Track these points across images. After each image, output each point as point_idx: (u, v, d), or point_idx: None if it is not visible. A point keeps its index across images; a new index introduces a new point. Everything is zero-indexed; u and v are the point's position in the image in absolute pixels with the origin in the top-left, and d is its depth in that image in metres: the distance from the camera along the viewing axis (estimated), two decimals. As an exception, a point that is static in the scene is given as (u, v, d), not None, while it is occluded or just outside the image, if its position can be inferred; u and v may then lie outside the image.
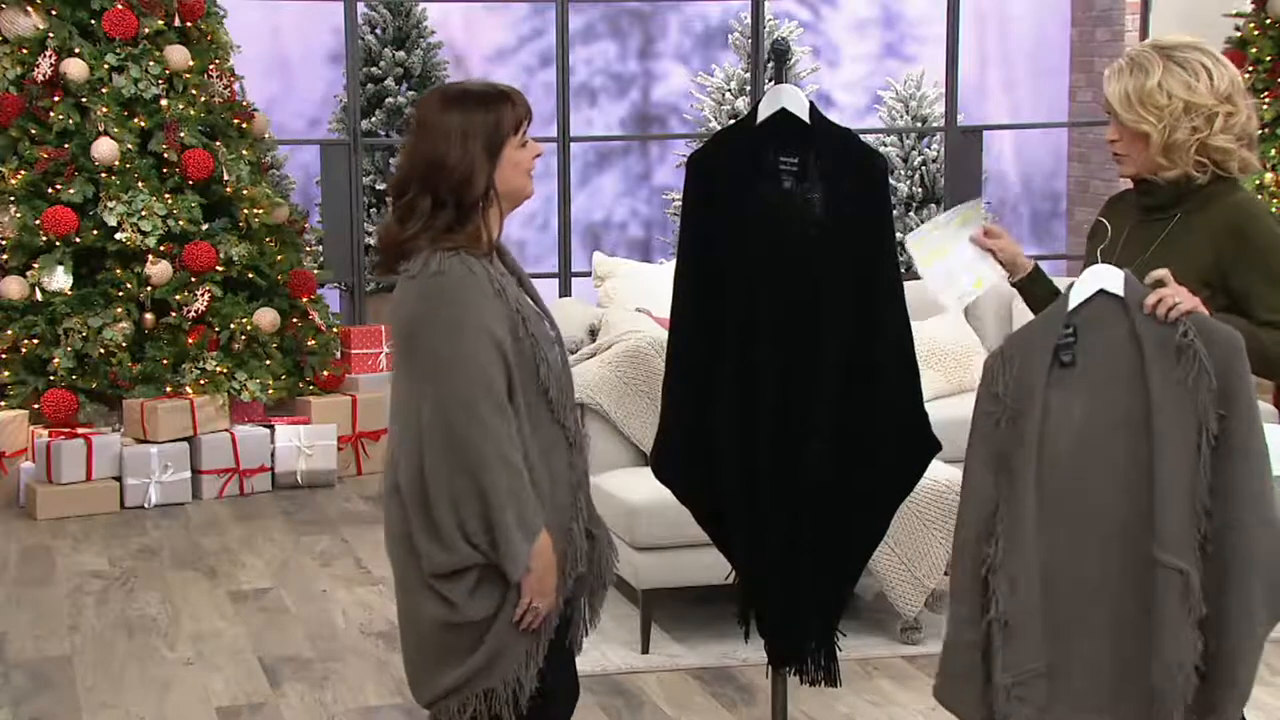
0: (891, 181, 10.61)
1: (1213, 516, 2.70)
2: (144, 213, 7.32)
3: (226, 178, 7.60)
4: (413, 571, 2.85)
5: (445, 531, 2.76)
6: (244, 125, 7.92)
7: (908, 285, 3.41)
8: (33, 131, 7.47)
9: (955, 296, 3.25)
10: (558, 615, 2.90)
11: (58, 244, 7.31)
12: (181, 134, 7.47)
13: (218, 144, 7.66)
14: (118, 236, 7.32)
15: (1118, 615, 2.78)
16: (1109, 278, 2.80)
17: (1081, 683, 2.80)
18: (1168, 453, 2.71)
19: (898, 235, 3.55)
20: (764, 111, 3.31)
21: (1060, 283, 3.27)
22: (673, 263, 3.55)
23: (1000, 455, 2.82)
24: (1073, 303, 2.81)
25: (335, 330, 8.04)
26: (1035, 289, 3.22)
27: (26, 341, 7.26)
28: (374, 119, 10.00)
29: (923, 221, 10.50)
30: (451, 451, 2.74)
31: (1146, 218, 3.02)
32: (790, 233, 3.28)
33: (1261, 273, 2.90)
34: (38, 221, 7.28)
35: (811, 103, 3.33)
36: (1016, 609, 2.78)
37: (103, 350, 7.26)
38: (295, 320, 7.80)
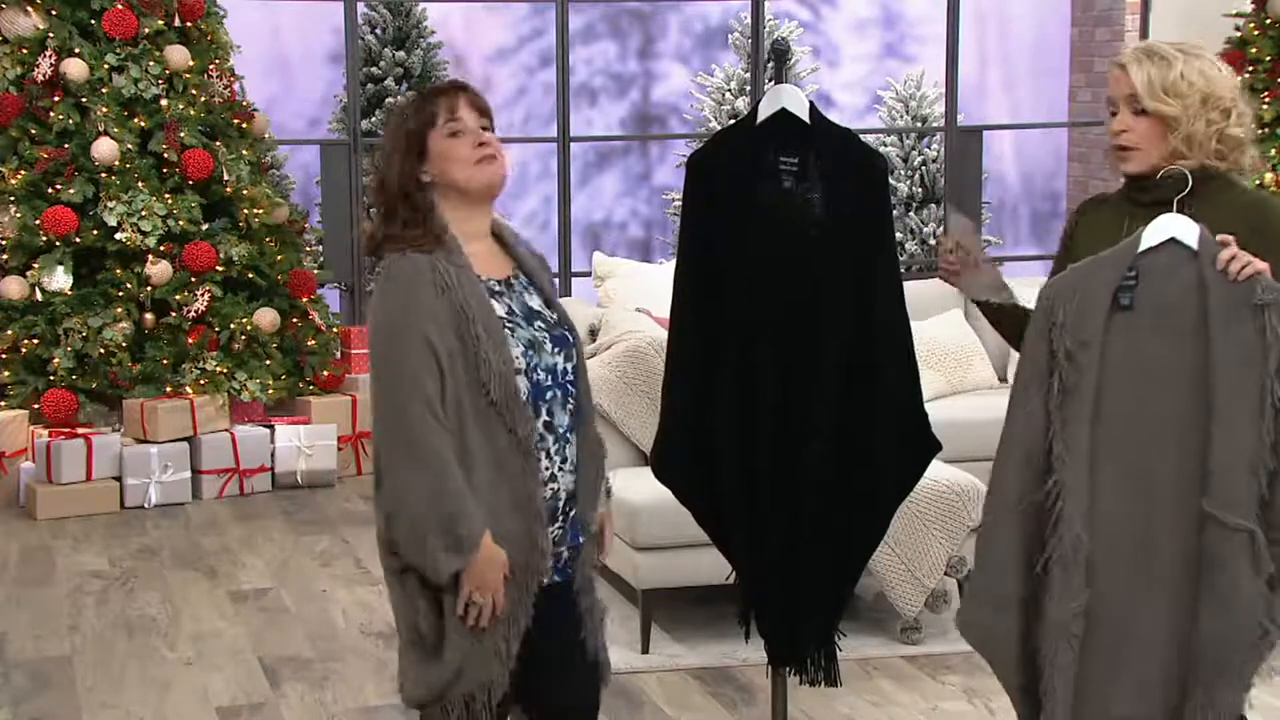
0: (891, 181, 10.60)
1: (1275, 478, 2.69)
2: (144, 213, 7.33)
3: (226, 178, 7.60)
4: (388, 574, 2.90)
5: (381, 535, 2.85)
6: (244, 125, 7.92)
7: (907, 285, 3.41)
8: (33, 131, 7.47)
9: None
10: (526, 617, 2.87)
11: (58, 244, 7.31)
12: (181, 134, 7.47)
13: (218, 144, 7.66)
14: (118, 236, 7.32)
15: (1167, 569, 2.75)
16: (1185, 228, 2.77)
17: (1128, 636, 2.77)
18: (1229, 412, 2.68)
19: (899, 235, 3.54)
20: (764, 111, 3.31)
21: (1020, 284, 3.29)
22: (673, 263, 3.55)
23: (1054, 387, 2.77)
24: (1144, 245, 2.78)
25: (335, 330, 8.04)
26: (1002, 306, 3.22)
27: (26, 341, 7.26)
28: (374, 119, 10.00)
29: (923, 222, 10.50)
30: (386, 452, 2.79)
31: (1146, 214, 2.99)
32: (790, 233, 3.28)
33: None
34: (38, 221, 7.28)
35: (811, 103, 3.33)
36: (1075, 549, 2.75)
37: (103, 350, 7.26)
38: (295, 320, 7.80)
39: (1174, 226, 2.78)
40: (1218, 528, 2.69)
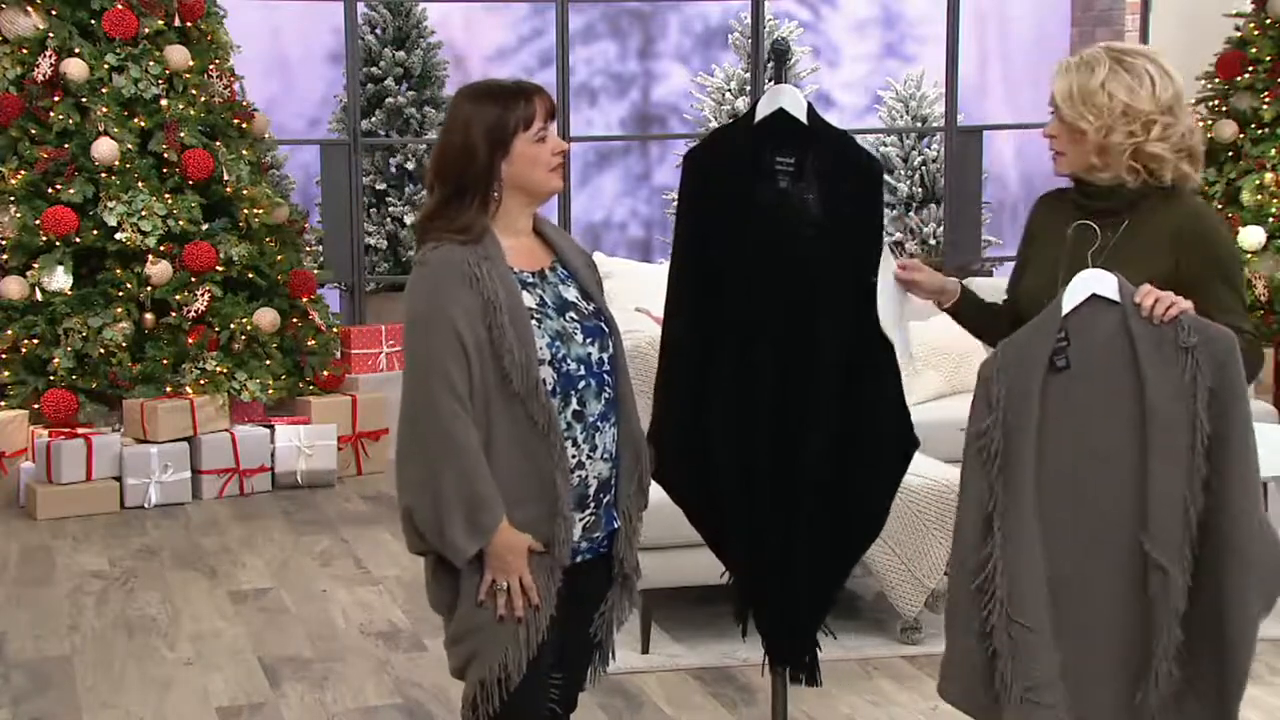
0: (891, 181, 10.61)
1: (1207, 512, 2.74)
2: (144, 213, 7.33)
3: (226, 178, 7.60)
4: (415, 553, 2.97)
5: (405, 518, 2.88)
6: (244, 125, 7.93)
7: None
8: (33, 131, 7.47)
9: (907, 354, 3.31)
10: (550, 605, 2.91)
11: (58, 244, 7.31)
12: (181, 134, 7.48)
13: (218, 144, 7.66)
14: (118, 236, 7.32)
15: (1122, 614, 2.80)
16: (1102, 282, 2.82)
17: (1097, 685, 2.82)
18: (1162, 452, 2.74)
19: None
20: (762, 111, 3.31)
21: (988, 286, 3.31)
22: (671, 262, 3.54)
23: (996, 460, 2.83)
24: (1066, 307, 2.83)
25: (335, 330, 8.05)
26: (966, 310, 3.25)
27: (26, 341, 7.27)
28: (374, 119, 10.00)
29: (923, 223, 10.50)
30: (410, 442, 2.86)
31: (1088, 220, 3.01)
32: (787, 232, 3.28)
33: (1221, 278, 2.93)
34: (38, 221, 7.28)
35: (809, 104, 3.33)
36: (1021, 613, 2.79)
37: (103, 350, 7.26)
38: (295, 320, 7.80)
39: (1093, 283, 2.83)
40: (1148, 563, 2.75)
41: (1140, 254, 2.92)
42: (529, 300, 2.91)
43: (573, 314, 2.97)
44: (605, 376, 2.98)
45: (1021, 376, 2.83)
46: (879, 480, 3.39)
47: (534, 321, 2.89)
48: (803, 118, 3.28)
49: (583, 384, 2.94)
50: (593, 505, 2.98)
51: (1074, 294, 2.83)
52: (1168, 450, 2.74)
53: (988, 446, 2.83)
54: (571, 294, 3.01)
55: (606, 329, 3.01)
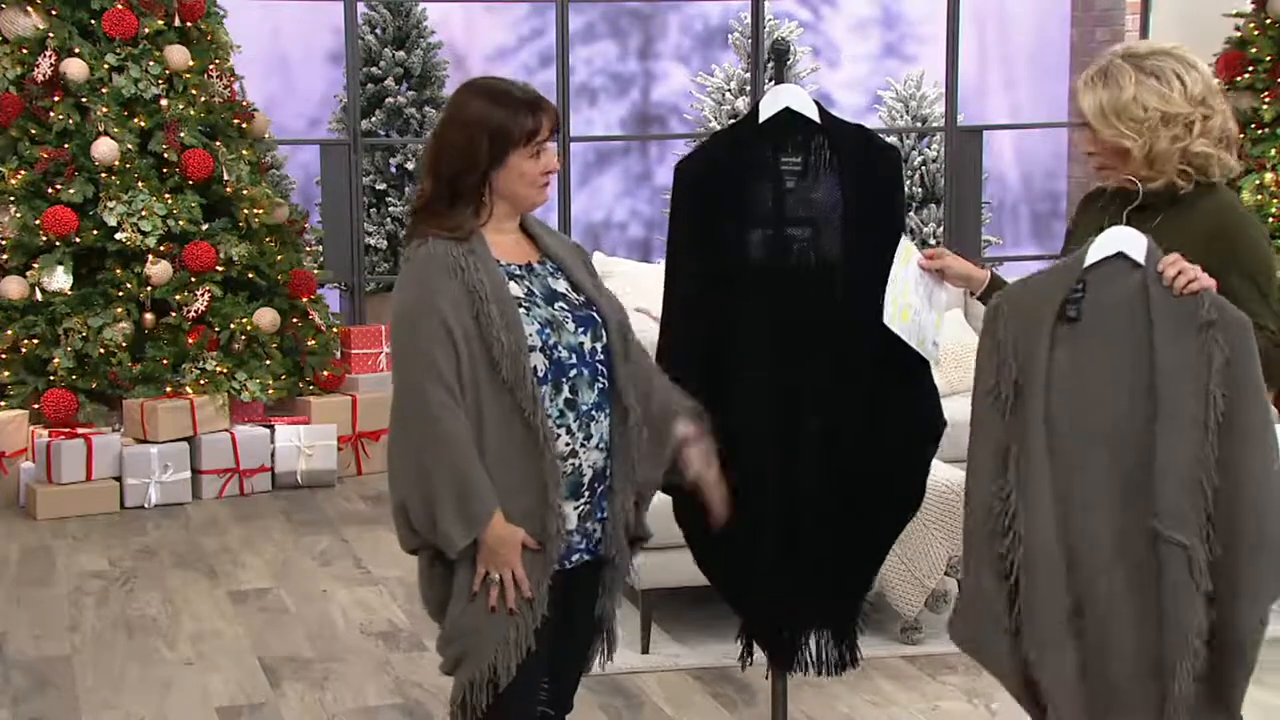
0: (891, 181, 10.59)
1: (1220, 495, 2.69)
2: (144, 213, 7.33)
3: (226, 178, 7.60)
4: (408, 550, 2.98)
5: (398, 512, 2.89)
6: (244, 125, 7.92)
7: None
8: (33, 131, 7.47)
9: (931, 342, 3.26)
10: (543, 604, 2.91)
11: (58, 244, 7.31)
12: (181, 134, 7.48)
13: (218, 144, 7.66)
14: (118, 236, 7.32)
15: (1117, 579, 2.76)
16: (1132, 241, 2.79)
17: (1094, 651, 2.79)
18: (1172, 425, 2.70)
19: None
20: (766, 112, 3.31)
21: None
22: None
23: (1009, 404, 2.79)
24: (1090, 259, 2.80)
25: (335, 330, 8.04)
26: None
27: (26, 341, 7.26)
28: (374, 119, 10.00)
29: (923, 223, 10.50)
30: (401, 435, 2.87)
31: (1132, 217, 2.98)
32: (791, 233, 3.28)
33: (1247, 276, 2.89)
34: (38, 221, 7.28)
35: (817, 100, 3.33)
36: (1035, 547, 2.76)
37: (103, 350, 7.26)
38: (295, 320, 7.80)
39: (1122, 241, 2.80)
40: (1158, 539, 2.71)
41: (1172, 250, 2.88)
42: (516, 290, 2.92)
43: (562, 304, 2.97)
44: (599, 366, 2.97)
45: (1030, 318, 2.79)
46: (890, 472, 3.39)
47: (522, 310, 2.89)
48: (810, 114, 3.28)
49: (574, 372, 2.93)
50: (587, 494, 2.97)
51: (1102, 247, 2.80)
52: (1177, 421, 2.69)
53: (998, 392, 2.80)
54: (561, 286, 3.01)
55: (599, 319, 3.00)
